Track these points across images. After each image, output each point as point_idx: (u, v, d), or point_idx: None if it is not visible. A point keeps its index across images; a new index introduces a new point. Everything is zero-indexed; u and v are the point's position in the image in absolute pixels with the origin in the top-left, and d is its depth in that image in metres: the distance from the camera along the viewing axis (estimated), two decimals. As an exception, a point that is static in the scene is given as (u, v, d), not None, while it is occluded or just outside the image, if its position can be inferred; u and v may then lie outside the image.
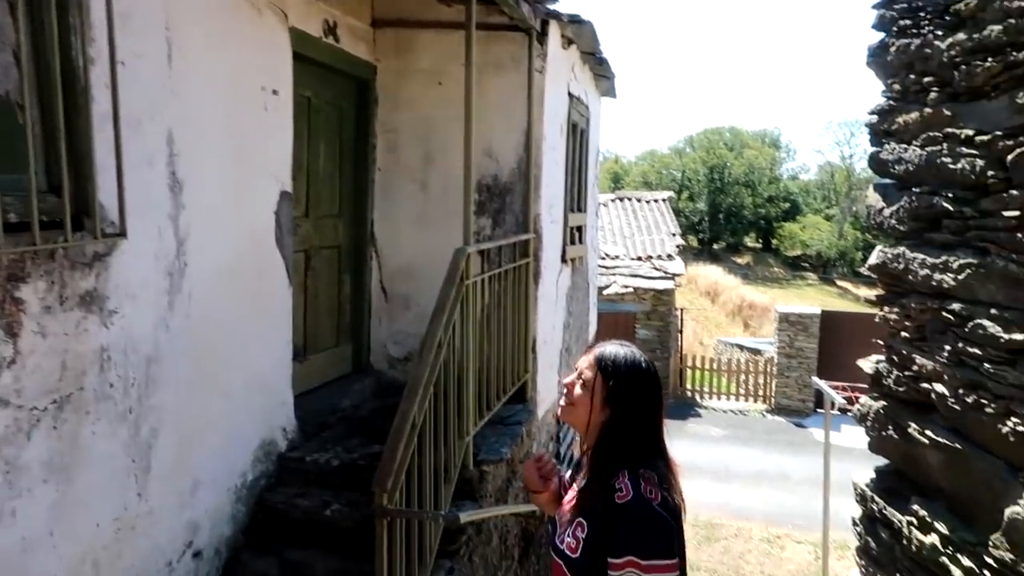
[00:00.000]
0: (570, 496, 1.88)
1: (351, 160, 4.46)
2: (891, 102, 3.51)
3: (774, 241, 40.91)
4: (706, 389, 15.53)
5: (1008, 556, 2.55)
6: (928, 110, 3.13)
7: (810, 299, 28.39)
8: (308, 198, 3.97)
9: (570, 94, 5.46)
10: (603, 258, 13.93)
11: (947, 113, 3.00)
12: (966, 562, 2.83)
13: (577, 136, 5.90)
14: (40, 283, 2.12)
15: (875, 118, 3.64)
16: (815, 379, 7.97)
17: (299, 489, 3.32)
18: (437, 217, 4.58)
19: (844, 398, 6.67)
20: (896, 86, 3.44)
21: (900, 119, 3.37)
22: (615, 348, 1.81)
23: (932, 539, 3.05)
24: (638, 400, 1.76)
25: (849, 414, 4.12)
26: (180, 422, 2.73)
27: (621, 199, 17.88)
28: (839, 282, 36.57)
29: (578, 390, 1.80)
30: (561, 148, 5.26)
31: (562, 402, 1.86)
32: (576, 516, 1.74)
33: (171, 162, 2.61)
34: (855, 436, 3.97)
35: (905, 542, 3.27)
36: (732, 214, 40.12)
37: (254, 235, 3.21)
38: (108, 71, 2.24)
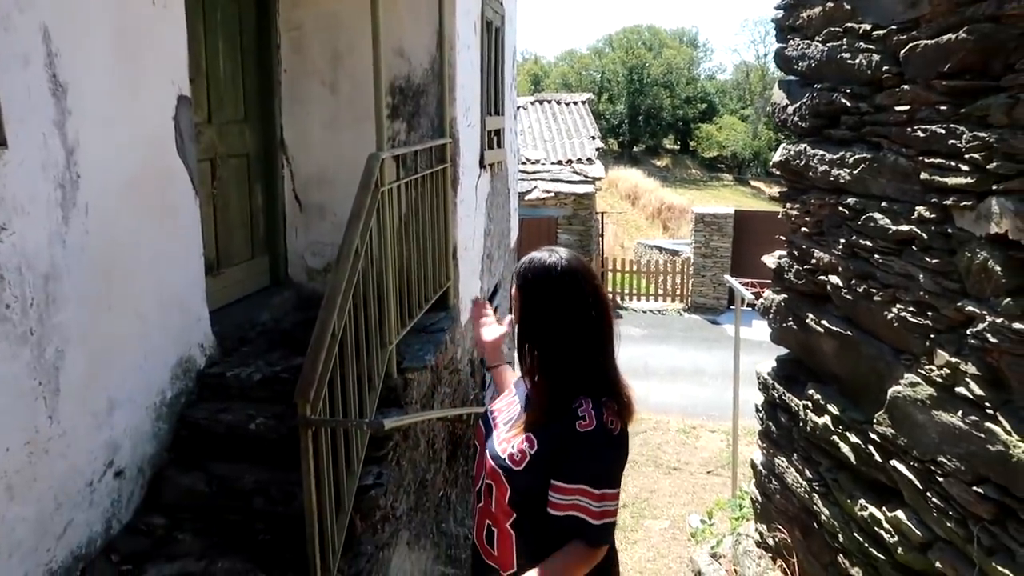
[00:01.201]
0: (508, 400, 1.89)
1: (254, 61, 4.21)
2: (797, -4, 3.52)
3: (692, 143, 41.44)
4: (627, 291, 16.00)
5: (889, 431, 2.79)
6: (830, 4, 3.16)
7: (725, 200, 29.20)
8: (210, 103, 3.76)
9: (483, -10, 5.26)
10: (524, 163, 13.86)
11: (847, 7, 3.03)
12: (854, 439, 3.08)
13: (492, 34, 5.73)
14: (-87, 200, 1.97)
15: (781, 13, 3.66)
16: (727, 277, 8.30)
17: (221, 404, 3.29)
18: (350, 121, 4.43)
19: (754, 294, 6.94)
20: (802, -21, 3.45)
21: (804, 14, 3.39)
22: (534, 254, 1.74)
23: (825, 420, 3.30)
24: (543, 305, 1.67)
25: (756, 309, 4.33)
26: (89, 342, 2.64)
27: (540, 102, 17.67)
28: (753, 182, 37.60)
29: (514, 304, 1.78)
30: (476, 47, 5.10)
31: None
32: (525, 430, 1.69)
33: (50, 63, 2.41)
34: (764, 331, 4.18)
35: (801, 424, 3.53)
36: (651, 116, 40.27)
37: (153, 144, 3.04)
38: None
